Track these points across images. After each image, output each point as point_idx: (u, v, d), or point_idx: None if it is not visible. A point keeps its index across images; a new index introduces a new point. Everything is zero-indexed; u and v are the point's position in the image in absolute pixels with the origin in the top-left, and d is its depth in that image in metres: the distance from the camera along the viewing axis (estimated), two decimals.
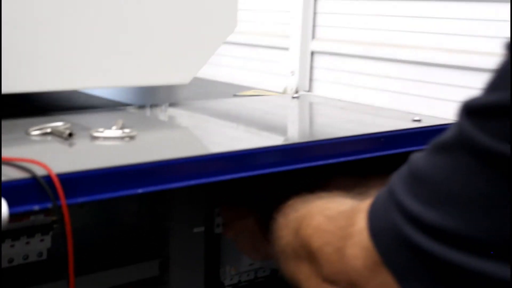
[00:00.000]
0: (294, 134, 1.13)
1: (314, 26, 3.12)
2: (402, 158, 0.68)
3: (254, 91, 1.41)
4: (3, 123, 0.98)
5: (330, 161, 0.93)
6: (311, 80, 3.18)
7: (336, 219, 0.73)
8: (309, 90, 3.18)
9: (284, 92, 3.26)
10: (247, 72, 3.37)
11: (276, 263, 0.87)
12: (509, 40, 0.57)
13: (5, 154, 0.78)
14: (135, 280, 1.02)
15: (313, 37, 3.13)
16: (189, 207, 1.06)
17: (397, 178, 0.65)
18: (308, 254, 0.76)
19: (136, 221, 1.06)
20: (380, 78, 2.85)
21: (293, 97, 1.35)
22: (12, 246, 0.93)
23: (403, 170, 0.65)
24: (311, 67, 3.17)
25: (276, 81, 3.30)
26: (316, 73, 3.16)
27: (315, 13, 3.11)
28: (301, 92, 3.08)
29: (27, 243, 0.94)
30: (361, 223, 0.67)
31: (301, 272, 0.79)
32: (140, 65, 1.10)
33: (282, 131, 1.14)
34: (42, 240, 0.95)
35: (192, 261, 1.08)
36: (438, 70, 2.61)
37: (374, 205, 0.67)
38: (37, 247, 0.95)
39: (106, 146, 0.88)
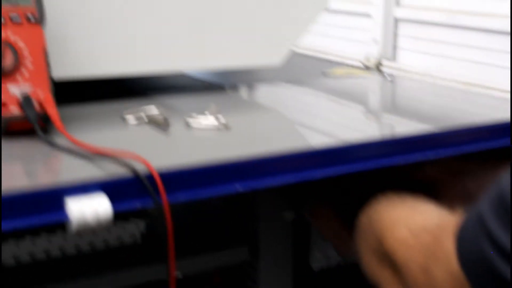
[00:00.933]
0: (390, 124, 1.09)
1: None
2: None
3: (344, 70, 1.38)
4: (99, 106, 0.99)
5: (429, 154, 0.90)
6: (394, 48, 3.10)
7: (421, 236, 0.73)
8: (392, 59, 3.10)
9: (367, 61, 3.21)
10: (329, 39, 3.31)
11: (358, 259, 0.87)
12: None
13: (104, 143, 0.78)
14: (226, 265, 1.02)
15: (397, 3, 3.04)
16: (278, 192, 1.05)
17: (487, 204, 0.63)
18: (392, 264, 0.77)
19: (226, 207, 1.05)
20: (467, 48, 2.76)
21: (387, 79, 1.31)
22: (107, 230, 0.94)
23: (493, 196, 0.63)
24: (395, 35, 3.09)
25: (359, 48, 3.24)
26: (400, 41, 3.08)
27: None
28: (385, 62, 3.03)
29: (123, 227, 0.95)
30: (449, 246, 0.66)
31: (384, 277, 0.79)
32: (232, 47, 1.09)
33: (378, 120, 1.11)
34: (136, 225, 0.96)
35: (281, 245, 1.07)
36: None
37: (463, 229, 0.66)
38: (131, 231, 0.96)
39: (202, 137, 0.87)
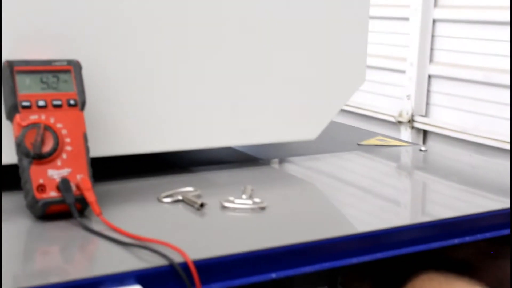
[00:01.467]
0: (425, 205, 1.08)
1: (432, 49, 3.04)
2: None
3: (377, 140, 1.38)
4: (134, 184, 1.01)
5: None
6: (427, 104, 3.10)
7: None
8: (425, 115, 3.10)
9: (400, 116, 3.21)
10: (363, 93, 3.32)
11: None
12: None
13: (139, 226, 0.80)
14: None
15: (430, 60, 3.05)
16: None
17: None
18: None
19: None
20: (500, 106, 2.74)
21: (421, 150, 1.31)
22: None
23: None
24: (428, 91, 3.09)
25: (392, 104, 3.24)
26: (433, 98, 3.08)
27: (433, 36, 3.03)
28: (418, 118, 3.01)
29: None
30: None
31: None
32: (271, 123, 1.10)
33: (413, 203, 1.11)
34: None
35: None
36: None
37: None
38: None
39: (238, 219, 0.88)
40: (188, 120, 1.04)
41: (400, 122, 3.17)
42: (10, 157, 0.87)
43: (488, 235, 0.91)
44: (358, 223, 0.92)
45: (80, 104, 0.87)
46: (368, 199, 1.01)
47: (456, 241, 0.88)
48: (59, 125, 0.85)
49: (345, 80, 1.15)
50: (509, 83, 2.68)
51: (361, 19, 1.16)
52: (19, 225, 0.82)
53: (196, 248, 0.74)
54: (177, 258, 0.71)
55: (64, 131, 0.85)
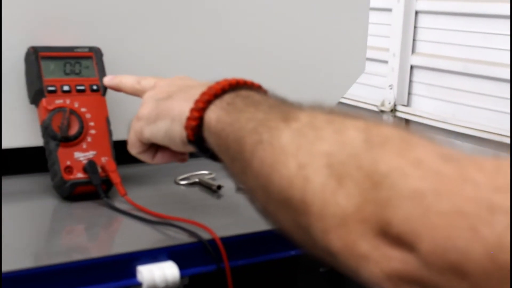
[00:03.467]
0: None
1: (414, 40, 3.11)
2: None
3: None
4: (147, 168, 1.04)
5: None
6: (409, 94, 3.17)
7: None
8: (407, 104, 3.16)
9: (382, 105, 3.27)
10: None
11: None
12: None
13: (164, 209, 0.83)
14: None
15: (413, 51, 3.11)
16: None
17: None
18: None
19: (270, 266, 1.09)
20: (480, 96, 2.82)
21: None
22: None
23: None
24: (410, 81, 3.15)
25: (374, 93, 3.30)
26: (415, 88, 3.15)
27: (415, 28, 3.09)
28: (400, 108, 3.08)
29: None
30: None
31: None
32: None
33: None
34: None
35: None
36: None
37: None
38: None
39: None
40: None
41: (382, 111, 3.24)
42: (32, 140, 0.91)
43: None
44: None
45: (102, 89, 0.90)
46: None
47: None
48: (83, 109, 0.88)
49: (345, 70, 1.19)
50: (486, 74, 2.76)
51: (361, 8, 1.19)
52: (46, 205, 0.86)
53: (218, 227, 0.78)
54: (205, 236, 0.75)
55: (88, 115, 0.88)
